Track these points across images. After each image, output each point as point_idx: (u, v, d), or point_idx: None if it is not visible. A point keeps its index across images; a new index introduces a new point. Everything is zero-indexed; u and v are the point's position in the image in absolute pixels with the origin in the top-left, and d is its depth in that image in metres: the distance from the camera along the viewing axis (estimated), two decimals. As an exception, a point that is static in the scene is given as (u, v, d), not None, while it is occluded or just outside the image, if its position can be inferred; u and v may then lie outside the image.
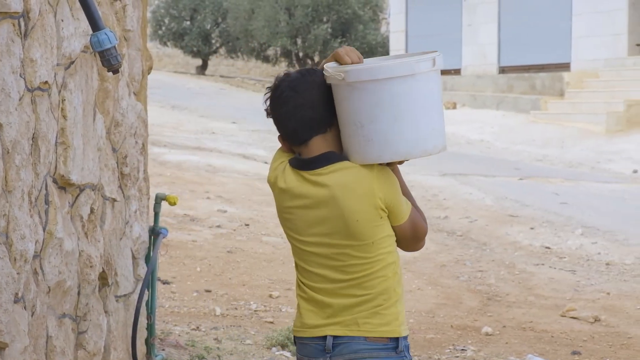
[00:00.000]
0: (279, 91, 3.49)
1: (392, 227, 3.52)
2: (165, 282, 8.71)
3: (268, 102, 3.54)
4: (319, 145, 3.49)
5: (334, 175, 3.45)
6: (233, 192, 13.66)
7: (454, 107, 26.55)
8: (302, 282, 3.54)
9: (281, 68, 42.54)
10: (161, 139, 17.74)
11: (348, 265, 3.45)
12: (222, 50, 41.58)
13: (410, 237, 3.58)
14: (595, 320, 8.74)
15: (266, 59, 40.79)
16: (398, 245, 3.59)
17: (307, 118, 3.47)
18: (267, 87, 3.57)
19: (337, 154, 3.47)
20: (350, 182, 3.45)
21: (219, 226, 11.44)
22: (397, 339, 3.51)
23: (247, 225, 11.72)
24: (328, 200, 3.44)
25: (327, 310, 3.49)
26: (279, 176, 3.57)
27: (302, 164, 3.51)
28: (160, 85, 27.54)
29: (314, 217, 3.47)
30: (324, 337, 3.50)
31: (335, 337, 3.49)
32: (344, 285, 3.47)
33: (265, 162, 17.02)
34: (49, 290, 3.62)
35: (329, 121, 3.48)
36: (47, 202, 3.56)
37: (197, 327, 7.26)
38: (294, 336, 3.60)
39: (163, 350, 6.02)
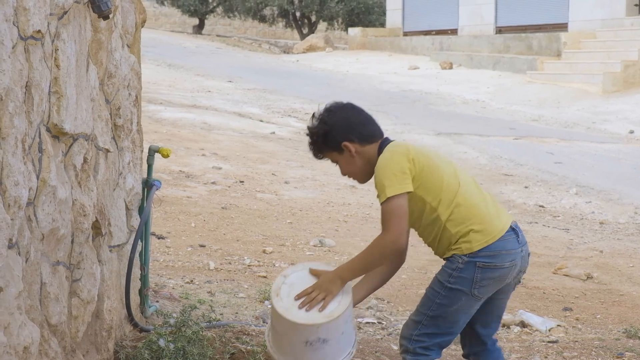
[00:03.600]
0: (340, 115, 4.29)
1: None
2: (160, 237, 8.75)
3: (325, 130, 4.26)
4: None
5: None
6: (228, 150, 13.69)
7: (450, 67, 26.53)
8: None
9: (278, 28, 42.45)
10: (157, 97, 17.74)
11: None
12: (219, 10, 41.49)
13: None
14: (588, 277, 8.80)
15: (263, 19, 40.70)
16: None
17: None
18: (309, 127, 4.32)
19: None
20: None
21: (213, 183, 11.48)
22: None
23: (242, 182, 11.76)
24: None
25: None
26: None
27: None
28: (156, 44, 27.48)
29: None
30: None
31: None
32: None
33: (261, 120, 17.04)
34: (43, 237, 3.65)
35: None
36: (40, 150, 3.58)
37: (191, 281, 7.31)
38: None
39: (157, 301, 6.06)
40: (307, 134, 4.35)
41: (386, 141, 4.27)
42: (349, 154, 4.24)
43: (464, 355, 4.58)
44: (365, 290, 4.40)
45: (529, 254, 4.33)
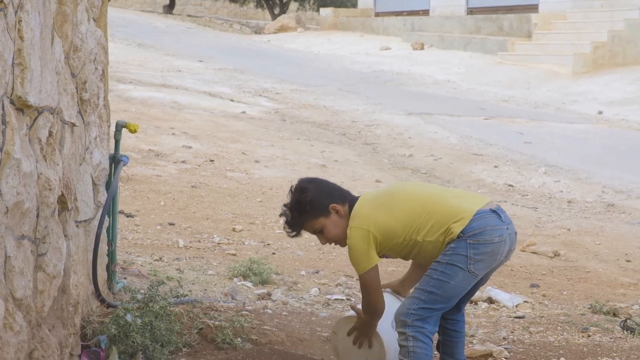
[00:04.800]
0: (318, 184, 4.65)
1: None
2: (129, 215, 8.73)
3: (311, 197, 4.51)
4: None
5: None
6: (198, 129, 13.65)
7: (422, 48, 26.54)
8: None
9: (249, 8, 42.30)
10: (127, 76, 17.65)
11: None
12: (189, -11, 41.23)
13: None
14: (555, 255, 8.87)
15: (234, -1, 40.53)
16: None
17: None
18: (287, 203, 4.58)
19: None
20: None
21: (183, 161, 11.45)
22: None
23: (212, 161, 11.74)
24: None
25: None
26: None
27: None
28: (126, 23, 27.34)
29: None
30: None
31: None
32: None
33: (231, 100, 17.00)
34: (7, 210, 3.63)
35: None
36: (4, 122, 3.56)
37: (160, 258, 7.30)
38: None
39: (125, 278, 6.05)
40: (286, 211, 4.58)
41: (352, 201, 4.58)
42: (336, 215, 4.54)
43: None
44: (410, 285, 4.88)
45: (515, 233, 4.56)
